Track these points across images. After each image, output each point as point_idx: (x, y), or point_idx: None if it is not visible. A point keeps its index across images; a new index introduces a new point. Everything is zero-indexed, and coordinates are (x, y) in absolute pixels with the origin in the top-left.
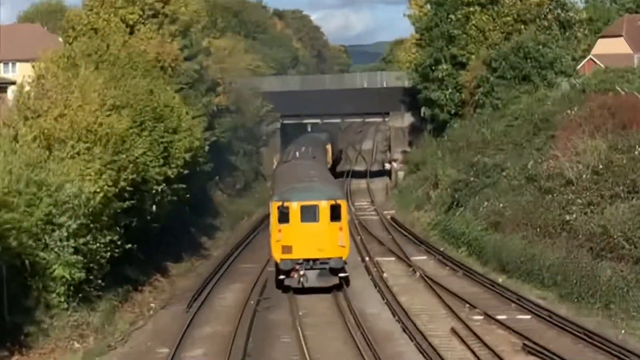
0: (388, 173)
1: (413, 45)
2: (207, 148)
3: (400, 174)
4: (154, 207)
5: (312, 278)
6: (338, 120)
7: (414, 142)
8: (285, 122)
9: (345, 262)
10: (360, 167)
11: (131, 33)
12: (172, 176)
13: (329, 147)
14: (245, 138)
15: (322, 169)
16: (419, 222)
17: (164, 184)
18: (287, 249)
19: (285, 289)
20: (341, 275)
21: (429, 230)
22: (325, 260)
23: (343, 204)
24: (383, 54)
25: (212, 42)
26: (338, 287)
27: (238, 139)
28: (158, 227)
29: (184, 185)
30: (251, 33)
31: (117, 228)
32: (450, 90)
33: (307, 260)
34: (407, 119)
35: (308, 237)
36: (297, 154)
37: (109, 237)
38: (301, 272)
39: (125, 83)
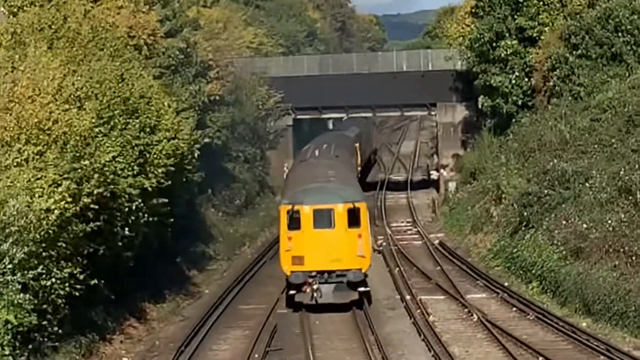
0: (435, 184)
1: (467, 14)
2: (196, 152)
3: (451, 185)
4: (127, 229)
5: (327, 293)
6: (368, 115)
7: (468, 143)
8: (298, 116)
9: (365, 275)
10: (398, 176)
11: (95, 1)
12: (151, 189)
13: (357, 145)
14: (247, 139)
15: (343, 170)
16: (476, 248)
17: (140, 200)
18: (298, 260)
19: (296, 306)
20: (361, 289)
21: (489, 259)
22: (343, 273)
23: (363, 207)
24: (427, 27)
25: (202, 12)
26: (357, 304)
27: (237, 140)
28: (132, 256)
29: (165, 201)
30: (253, 0)
31: (79, 258)
32: (516, 73)
33: (322, 272)
34: (460, 112)
35: (322, 245)
36: (317, 152)
37: (67, 270)
38: (314, 286)
39: (88, 67)
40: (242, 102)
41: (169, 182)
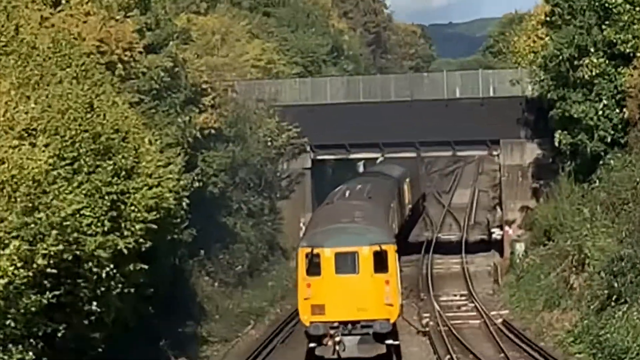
0: (498, 245)
1: (540, 24)
2: (185, 203)
3: (519, 247)
4: (95, 303)
5: (350, 346)
6: (411, 155)
7: (542, 192)
8: (319, 157)
9: (393, 326)
10: (449, 236)
11: (55, 6)
12: (127, 251)
13: (406, 187)
14: (252, 185)
15: (374, 210)
16: (552, 329)
17: (112, 265)
18: (318, 309)
19: None
20: (389, 342)
21: (568, 343)
22: (368, 323)
23: (390, 249)
24: (487, 41)
25: (194, 20)
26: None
27: (239, 188)
28: (102, 338)
29: (145, 267)
30: (261, 4)
31: (32, 340)
32: (604, 101)
33: (345, 323)
34: (531, 151)
35: (345, 293)
36: (347, 193)
37: (17, 357)
38: (337, 339)
39: (46, 91)
40: (246, 138)
41: (150, 243)
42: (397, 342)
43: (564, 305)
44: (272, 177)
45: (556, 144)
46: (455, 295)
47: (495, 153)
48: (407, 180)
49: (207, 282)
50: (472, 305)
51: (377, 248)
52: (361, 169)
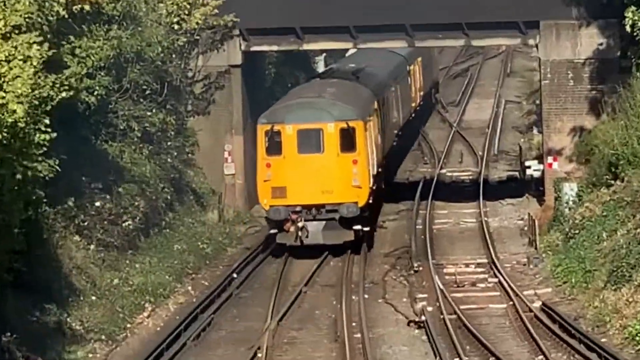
0: (534, 187)
1: None
2: (44, 119)
3: (570, 189)
4: None
5: (315, 232)
6: (403, 46)
7: (605, 105)
8: (254, 47)
9: (362, 210)
10: (459, 171)
11: None
12: None
13: (412, 67)
14: (148, 92)
15: (354, 89)
16: (621, 317)
17: None
18: (279, 192)
19: (278, 250)
20: (356, 228)
21: None
22: (334, 207)
23: (359, 126)
24: None
25: None
26: (353, 247)
27: (129, 96)
28: None
29: None
30: None
31: None
32: None
33: (308, 207)
34: (588, 40)
35: (309, 174)
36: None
37: None
38: (300, 224)
39: None
40: (139, 18)
41: None
42: (366, 229)
43: (637, 281)
44: (180, 79)
45: (627, 28)
46: (467, 266)
47: (531, 42)
48: (419, 58)
49: (78, 244)
50: (494, 280)
51: (344, 124)
52: (320, 67)
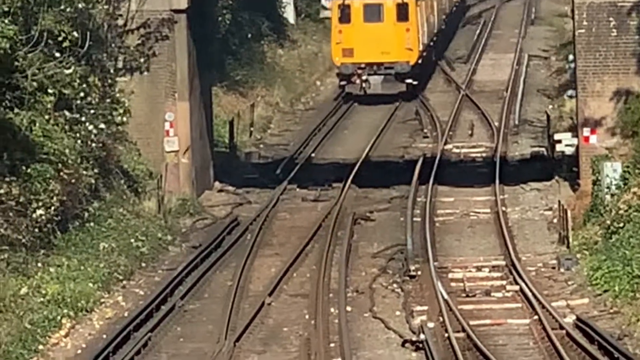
0: (566, 166)
1: None
2: None
3: (612, 169)
4: None
5: (375, 84)
6: None
7: None
8: None
9: (413, 68)
10: (469, 145)
11: None
12: None
13: None
14: (65, 45)
15: None
16: None
17: None
18: (348, 52)
19: (347, 97)
20: (408, 81)
21: None
22: (391, 65)
23: (411, 2)
24: None
25: None
26: (405, 96)
27: (39, 50)
28: None
29: None
30: None
31: None
32: None
33: (370, 64)
34: None
35: (371, 38)
36: None
37: None
38: (364, 77)
39: None
40: None
41: None
42: (416, 82)
43: None
44: (108, 28)
45: None
46: (479, 269)
47: None
48: None
49: None
50: (514, 288)
51: (400, 1)
52: (290, 13)
